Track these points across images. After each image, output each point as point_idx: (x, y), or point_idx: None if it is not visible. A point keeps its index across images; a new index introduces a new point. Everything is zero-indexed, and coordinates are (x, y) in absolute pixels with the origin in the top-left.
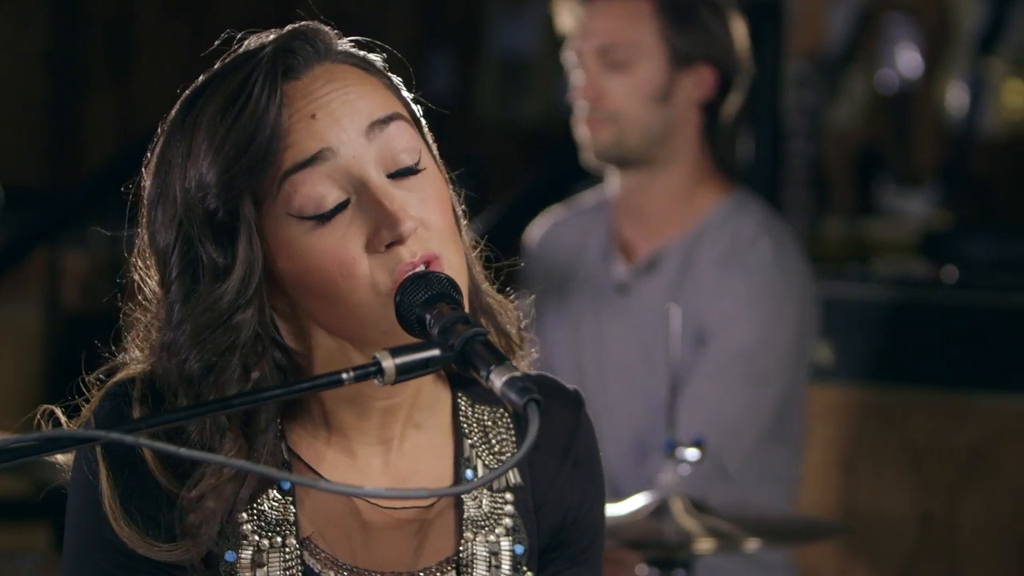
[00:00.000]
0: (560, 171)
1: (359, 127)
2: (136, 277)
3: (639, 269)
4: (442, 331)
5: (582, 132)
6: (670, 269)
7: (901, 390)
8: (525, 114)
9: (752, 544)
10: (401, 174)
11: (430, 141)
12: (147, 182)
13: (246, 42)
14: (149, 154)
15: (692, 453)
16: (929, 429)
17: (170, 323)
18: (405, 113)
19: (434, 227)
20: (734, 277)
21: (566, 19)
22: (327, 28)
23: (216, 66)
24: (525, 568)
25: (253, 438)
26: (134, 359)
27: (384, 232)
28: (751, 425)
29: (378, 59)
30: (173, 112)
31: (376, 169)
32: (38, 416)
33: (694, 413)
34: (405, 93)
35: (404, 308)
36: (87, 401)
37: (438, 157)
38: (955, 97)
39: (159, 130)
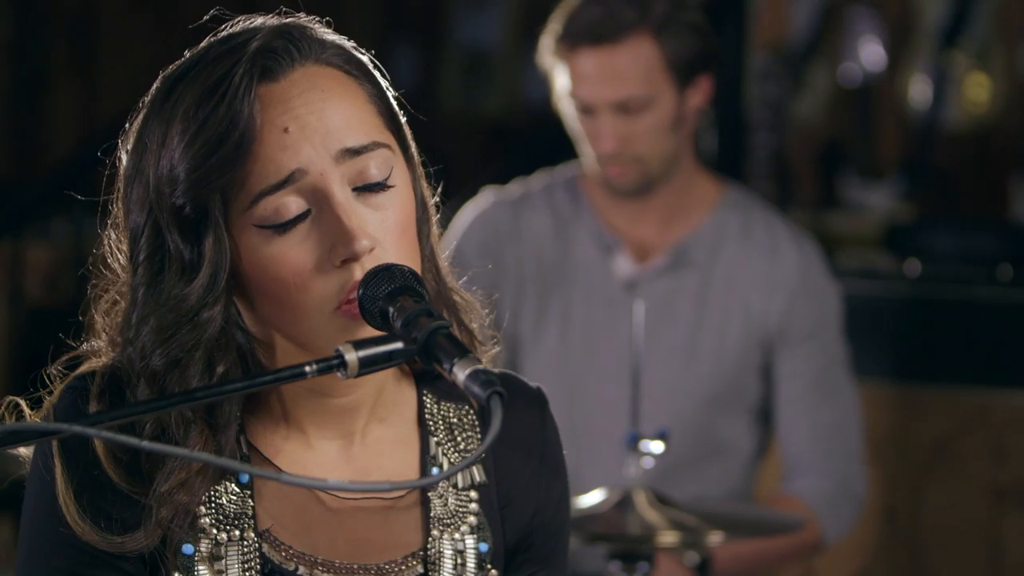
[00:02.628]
0: (523, 164)
1: (330, 150)
2: (106, 248)
3: (656, 268)
4: (405, 324)
5: (606, 174)
6: (694, 265)
7: (864, 383)
8: (488, 107)
9: (715, 537)
10: (368, 189)
11: (409, 141)
12: (124, 155)
13: (233, 25)
14: (128, 126)
15: (656, 446)
16: (892, 422)
17: (134, 304)
18: (382, 134)
19: (391, 249)
20: (798, 275)
21: (554, 59)
22: (315, 24)
23: (202, 46)
24: (490, 566)
25: (218, 430)
26: (97, 349)
27: (339, 248)
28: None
29: (365, 58)
30: (154, 89)
31: (341, 184)
32: (3, 408)
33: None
34: (390, 94)
35: (367, 301)
36: (51, 393)
37: (415, 157)
38: (918, 90)
39: (140, 104)
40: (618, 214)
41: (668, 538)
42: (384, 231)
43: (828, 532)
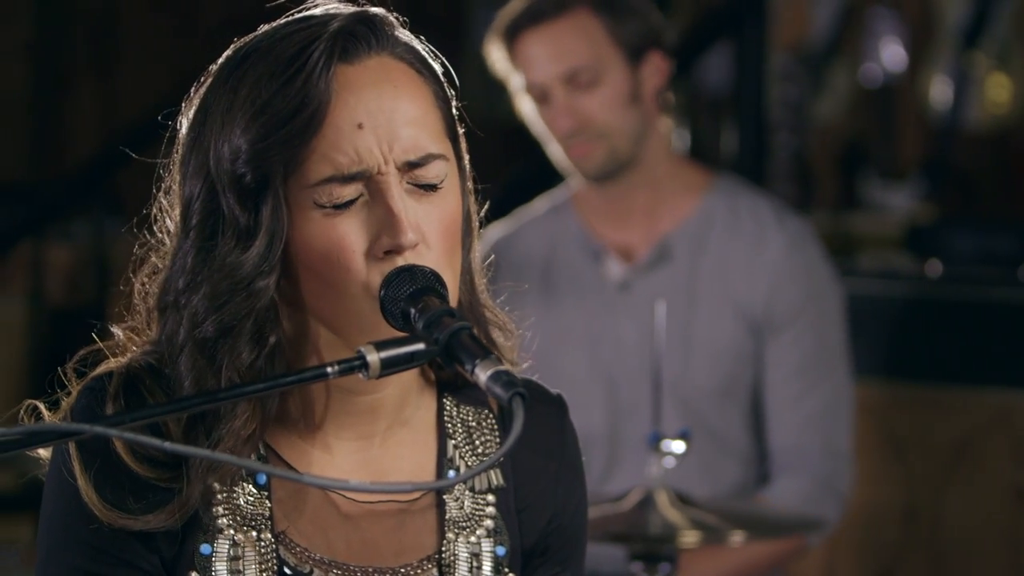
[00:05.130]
0: (542, 166)
1: (397, 158)
2: (155, 213)
3: (642, 265)
4: (427, 325)
5: (571, 158)
6: (680, 258)
7: (885, 384)
8: (508, 109)
9: (736, 537)
10: (421, 187)
11: (463, 152)
12: (184, 122)
13: (311, 8)
14: (192, 92)
15: (677, 445)
16: (913, 423)
17: (182, 270)
18: (442, 143)
19: (435, 247)
20: (782, 259)
21: (503, 58)
22: (393, 17)
23: (277, 23)
24: (507, 570)
25: (265, 402)
26: (117, 344)
27: (385, 238)
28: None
29: (436, 63)
30: (223, 59)
31: (397, 181)
32: (22, 412)
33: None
34: (454, 103)
35: (389, 302)
36: (70, 394)
37: (467, 169)
38: (939, 91)
39: (207, 70)
40: (604, 220)
41: (689, 538)
42: (429, 228)
43: (809, 535)
